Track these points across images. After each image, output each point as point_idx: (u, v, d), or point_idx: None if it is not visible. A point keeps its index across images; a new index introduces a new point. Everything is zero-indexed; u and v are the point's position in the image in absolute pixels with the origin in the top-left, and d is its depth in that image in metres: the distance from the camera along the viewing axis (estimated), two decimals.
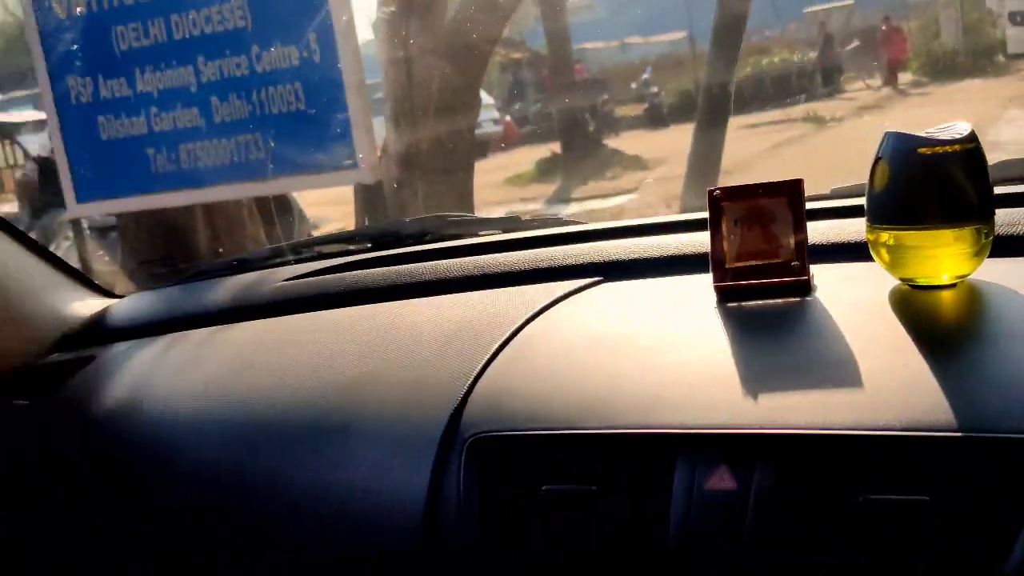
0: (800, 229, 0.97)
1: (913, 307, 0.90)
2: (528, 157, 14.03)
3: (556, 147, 13.06)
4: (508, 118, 21.46)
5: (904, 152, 0.88)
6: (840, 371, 0.79)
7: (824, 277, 1.00)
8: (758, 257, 0.98)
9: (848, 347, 0.83)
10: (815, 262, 1.00)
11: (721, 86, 5.99)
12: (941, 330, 0.88)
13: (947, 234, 0.88)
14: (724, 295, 0.98)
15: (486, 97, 20.79)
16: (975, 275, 0.92)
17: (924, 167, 0.88)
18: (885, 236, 0.91)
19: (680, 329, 0.94)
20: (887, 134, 0.90)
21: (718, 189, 0.99)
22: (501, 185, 11.41)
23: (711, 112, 6.14)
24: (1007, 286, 0.91)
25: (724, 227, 0.98)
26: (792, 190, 0.97)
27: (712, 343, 0.89)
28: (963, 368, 0.78)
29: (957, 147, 0.87)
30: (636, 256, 1.16)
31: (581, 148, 12.54)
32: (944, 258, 0.89)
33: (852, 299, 0.93)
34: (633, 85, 22.77)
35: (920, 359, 0.79)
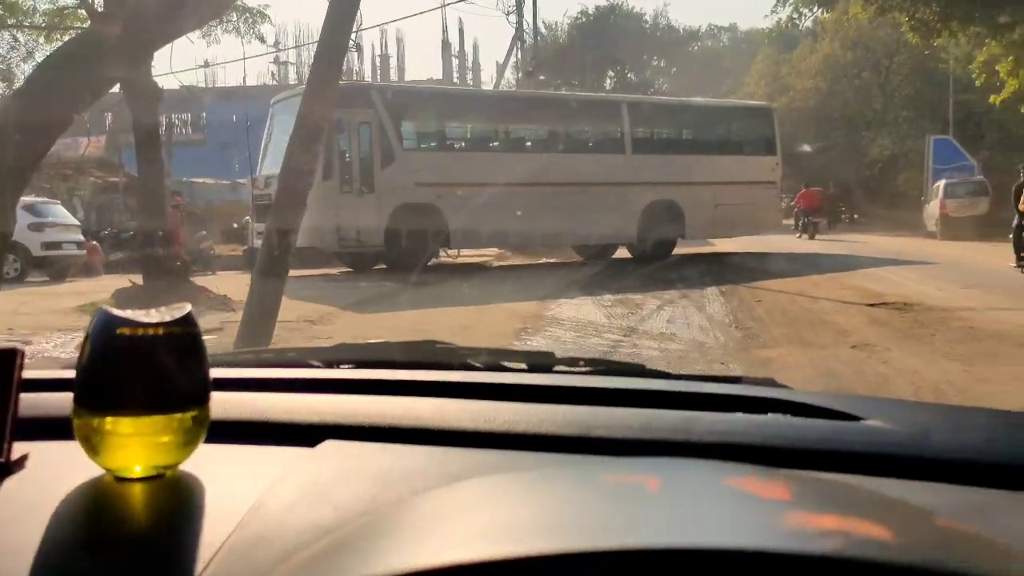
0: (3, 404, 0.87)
1: (111, 499, 0.83)
2: (111, 285, 13.31)
3: (138, 278, 12.39)
4: (94, 242, 20.23)
5: (106, 332, 0.83)
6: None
7: (46, 457, 0.91)
8: None
9: (31, 545, 0.73)
10: (38, 439, 0.92)
11: (282, 233, 6.03)
12: (137, 526, 0.81)
13: (144, 422, 0.83)
14: None
15: (69, 217, 19.45)
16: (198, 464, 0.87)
17: (124, 349, 0.83)
18: (83, 421, 0.84)
19: None
20: (99, 311, 0.85)
21: None
22: (70, 312, 10.52)
23: (271, 262, 6.15)
24: (218, 474, 0.87)
25: None
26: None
27: None
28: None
29: (162, 330, 0.84)
30: None
31: (164, 281, 11.98)
32: (142, 447, 0.83)
33: (57, 487, 0.84)
34: (235, 225, 22.45)
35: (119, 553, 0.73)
